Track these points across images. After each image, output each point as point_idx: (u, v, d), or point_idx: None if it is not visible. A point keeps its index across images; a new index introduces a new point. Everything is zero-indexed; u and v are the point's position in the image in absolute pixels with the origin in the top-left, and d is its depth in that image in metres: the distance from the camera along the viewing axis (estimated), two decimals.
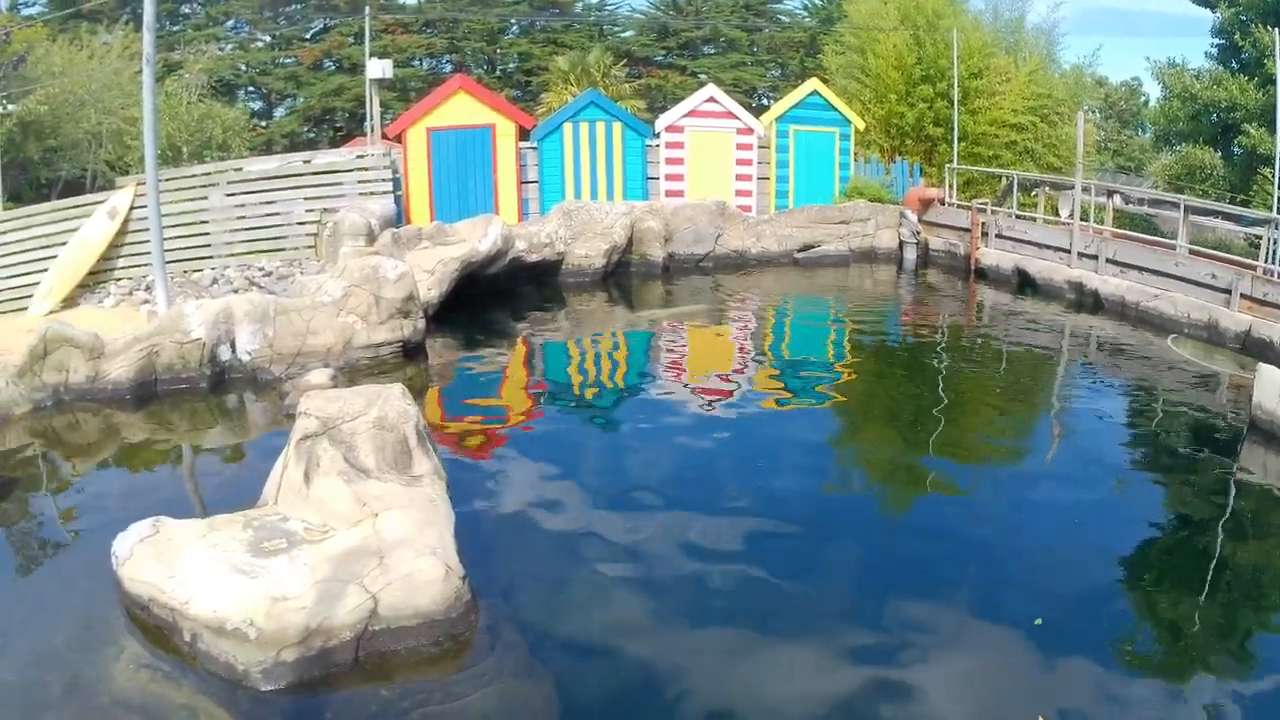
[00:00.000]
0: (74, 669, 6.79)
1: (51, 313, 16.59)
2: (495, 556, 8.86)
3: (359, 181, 20.91)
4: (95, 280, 18.10)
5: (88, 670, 6.78)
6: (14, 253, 17.97)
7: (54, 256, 17.83)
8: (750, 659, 7.46)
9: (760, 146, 25.92)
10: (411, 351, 14.75)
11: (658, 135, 25.06)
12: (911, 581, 8.80)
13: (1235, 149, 27.03)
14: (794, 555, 9.14)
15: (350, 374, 13.34)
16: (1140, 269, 19.26)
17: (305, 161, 20.99)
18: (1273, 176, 20.69)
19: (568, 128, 23.93)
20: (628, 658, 7.46)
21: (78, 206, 18.67)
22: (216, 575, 7.08)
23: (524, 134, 23.67)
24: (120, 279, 18.21)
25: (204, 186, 19.61)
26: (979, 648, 7.79)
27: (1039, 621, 8.07)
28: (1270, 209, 18.06)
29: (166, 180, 18.32)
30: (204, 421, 12.17)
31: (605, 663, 7.41)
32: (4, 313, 17.61)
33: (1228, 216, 19.74)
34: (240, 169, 20.30)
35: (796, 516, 10.03)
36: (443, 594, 7.30)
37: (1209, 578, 8.96)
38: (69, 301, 17.42)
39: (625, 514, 9.91)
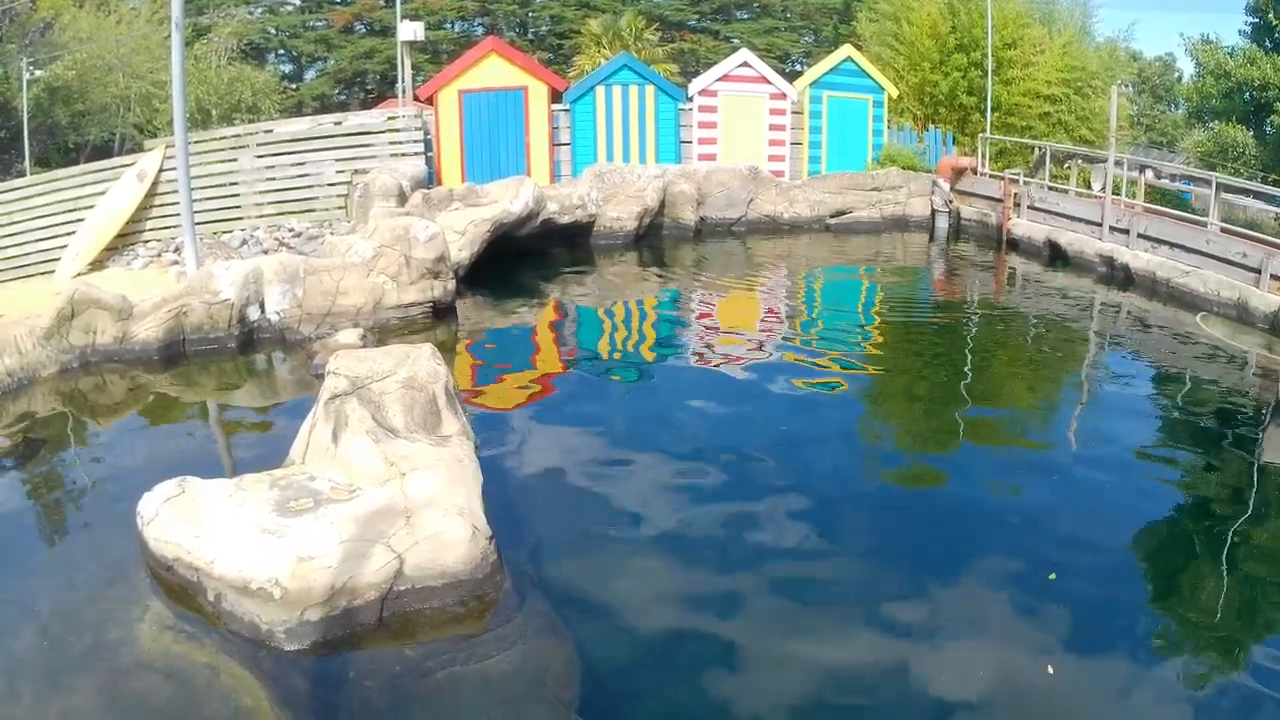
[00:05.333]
0: (98, 629, 6.74)
1: (79, 275, 16.52)
2: (522, 517, 8.82)
3: (390, 143, 20.81)
4: (124, 243, 18.07)
5: (112, 631, 6.73)
6: (42, 216, 18.00)
7: (82, 220, 17.82)
8: (774, 626, 7.43)
9: (793, 112, 25.66)
10: (442, 312, 14.65)
11: (690, 99, 24.81)
12: (933, 550, 8.80)
13: (1268, 128, 26.67)
14: (820, 523, 9.11)
15: (380, 334, 13.30)
16: (1171, 245, 19.00)
17: (336, 123, 20.88)
18: None
19: (600, 91, 23.71)
20: (652, 622, 7.44)
21: (106, 170, 18.64)
22: (242, 535, 7.02)
23: (556, 96, 23.46)
24: (149, 241, 18.17)
25: (233, 148, 19.53)
26: (993, 605, 7.83)
27: (1053, 576, 8.16)
28: None
29: (195, 142, 18.27)
30: (232, 382, 12.16)
31: (630, 626, 7.38)
32: (32, 276, 17.63)
33: (1259, 195, 19.47)
34: (270, 130, 20.20)
35: (823, 485, 10.02)
36: (469, 554, 7.21)
37: (1225, 556, 8.87)
38: (97, 265, 17.39)
39: (652, 478, 9.89)
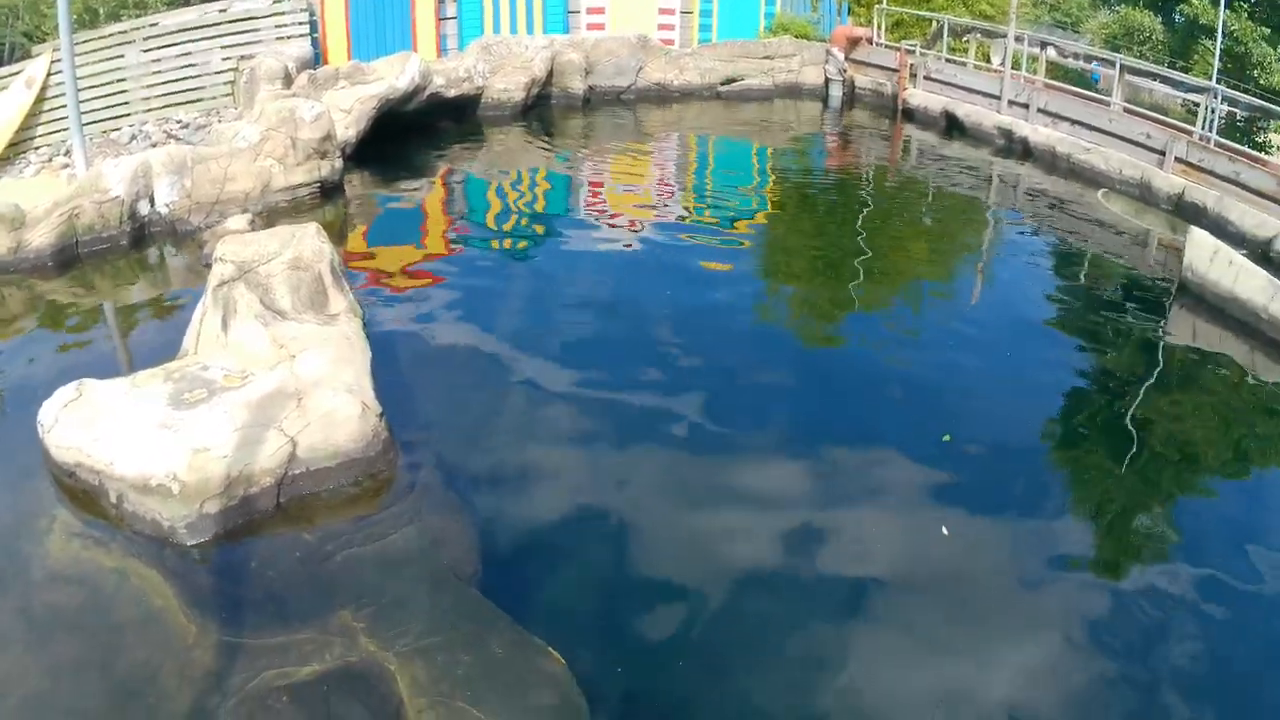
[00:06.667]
0: (7, 544, 6.82)
1: None
2: (415, 395, 8.98)
3: (276, 27, 20.71)
4: (15, 152, 17.96)
5: (21, 545, 6.81)
6: None
7: None
8: (669, 500, 7.69)
9: None
10: (330, 191, 14.82)
11: None
12: (828, 417, 9.17)
13: (1177, 15, 26.76)
14: (715, 394, 9.32)
15: (269, 217, 13.38)
16: (1073, 121, 19.38)
17: (221, 11, 20.76)
18: (1213, 48, 20.78)
19: None
20: (549, 497, 7.66)
21: None
22: (139, 433, 7.08)
23: None
24: (39, 147, 18.08)
25: (120, 45, 19.32)
26: (889, 468, 8.20)
27: (947, 438, 8.59)
28: (1210, 79, 18.21)
29: (82, 43, 18.12)
30: (126, 279, 12.09)
31: (527, 502, 7.61)
32: None
33: (1166, 80, 19.65)
34: (156, 24, 20.08)
35: (717, 355, 10.26)
36: (360, 432, 7.46)
37: (1120, 426, 9.33)
38: None
39: (544, 351, 10.07)
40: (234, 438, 7.05)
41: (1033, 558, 7.28)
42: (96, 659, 5.80)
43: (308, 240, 9.59)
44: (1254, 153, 16.79)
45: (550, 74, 22.32)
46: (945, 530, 7.37)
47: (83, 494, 7.14)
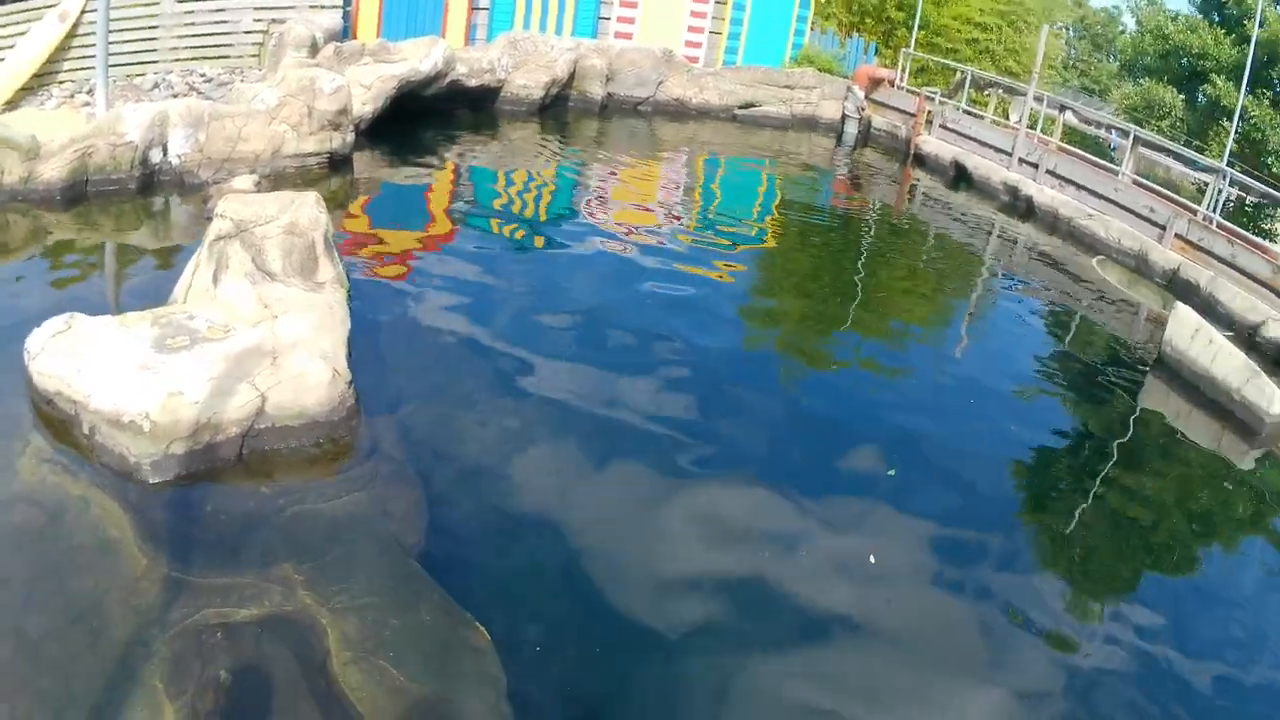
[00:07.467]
0: None
1: None
2: (387, 369, 9.18)
3: None
4: (40, 83, 18.17)
5: None
6: None
7: (1, 59, 17.91)
8: (624, 502, 7.91)
9: (717, 2, 25.90)
10: (338, 164, 15.03)
11: None
12: (791, 442, 9.39)
13: (1200, 96, 26.97)
14: (689, 405, 9.56)
15: (276, 181, 13.58)
16: (1079, 186, 19.68)
17: None
18: (1230, 129, 21.08)
19: None
20: (505, 483, 7.84)
21: (28, 9, 18.73)
22: (120, 370, 7.33)
23: None
24: (64, 82, 18.33)
25: None
26: (844, 502, 8.44)
27: (892, 472, 8.85)
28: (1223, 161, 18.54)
29: None
30: (129, 223, 12.22)
31: (482, 484, 7.79)
32: None
33: (1177, 156, 19.79)
34: None
35: (700, 369, 10.42)
36: (327, 396, 7.74)
37: (1084, 490, 9.57)
38: (11, 105, 17.53)
39: (526, 345, 10.19)
40: (208, 386, 7.30)
41: (979, 605, 7.53)
42: (48, 582, 6.02)
43: (306, 208, 9.81)
44: (1254, 238, 17.01)
45: (572, 76, 22.68)
46: (873, 559, 7.59)
47: (58, 422, 7.38)
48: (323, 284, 9.42)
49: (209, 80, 18.56)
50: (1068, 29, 46.72)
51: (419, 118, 18.75)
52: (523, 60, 21.79)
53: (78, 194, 12.36)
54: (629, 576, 7.06)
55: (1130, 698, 6.79)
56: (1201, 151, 22.28)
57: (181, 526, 6.69)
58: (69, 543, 6.38)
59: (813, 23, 27.54)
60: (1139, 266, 17.43)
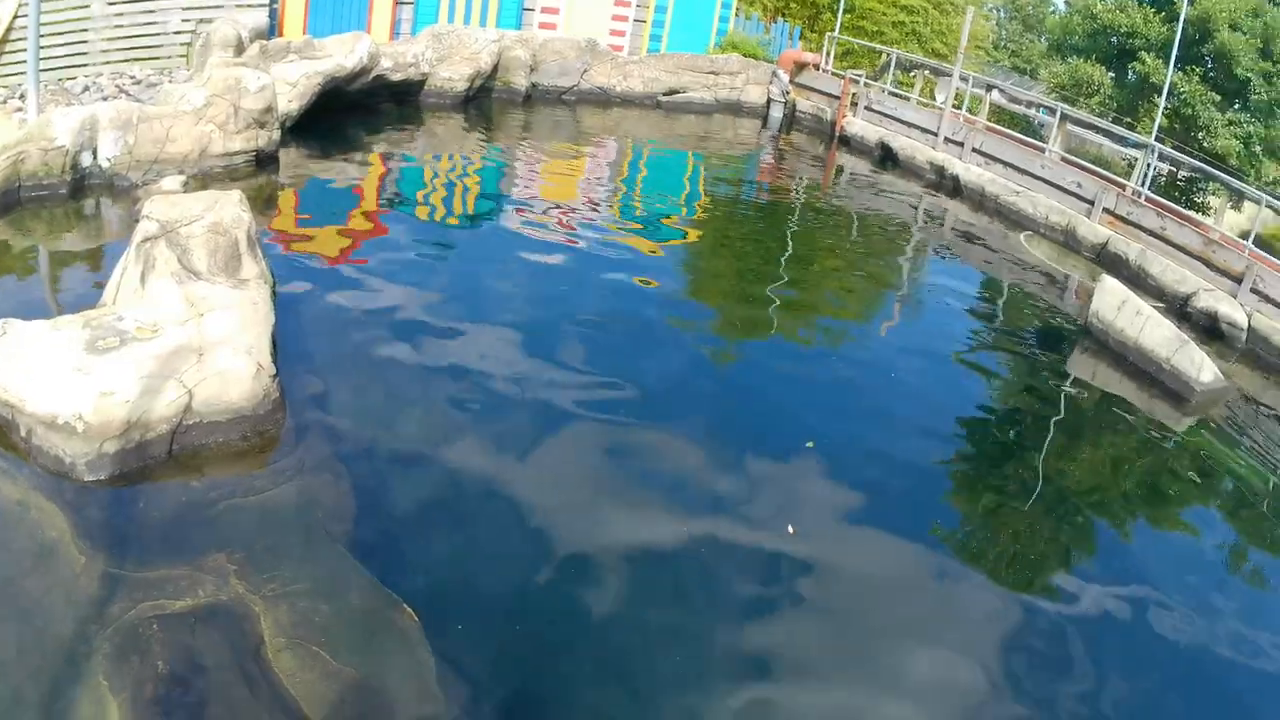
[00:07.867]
0: None
1: None
2: (313, 363, 9.40)
3: None
4: None
5: None
6: None
7: None
8: (552, 486, 8.18)
9: None
10: (264, 161, 15.11)
11: None
12: (719, 421, 9.67)
13: (1130, 73, 27.39)
14: (617, 386, 9.84)
15: (203, 181, 13.65)
16: (1005, 164, 20.10)
17: None
18: (1160, 105, 21.56)
19: None
20: (430, 470, 8.15)
21: None
22: (53, 373, 7.46)
23: None
24: None
25: None
26: (766, 472, 8.82)
27: (810, 444, 9.18)
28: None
29: None
30: (61, 228, 12.26)
31: (408, 473, 8.09)
32: None
33: (1105, 132, 20.39)
34: None
35: (628, 351, 10.76)
36: (252, 390, 8.01)
37: (1011, 457, 10.05)
38: None
39: (451, 334, 10.47)
40: (138, 385, 7.50)
41: (905, 570, 7.94)
42: None
43: (229, 207, 9.97)
44: (1183, 210, 17.53)
45: (496, 68, 22.92)
46: (791, 529, 7.93)
47: None
48: (247, 281, 9.58)
49: (138, 82, 18.62)
50: (999, 10, 47.31)
51: (345, 113, 18.89)
52: (447, 53, 22.02)
53: (11, 201, 12.31)
54: (555, 555, 7.36)
55: (1064, 654, 7.23)
56: (1132, 128, 22.84)
57: (116, 523, 6.90)
58: (11, 547, 6.54)
59: (737, 8, 27.89)
60: (1068, 241, 17.96)
